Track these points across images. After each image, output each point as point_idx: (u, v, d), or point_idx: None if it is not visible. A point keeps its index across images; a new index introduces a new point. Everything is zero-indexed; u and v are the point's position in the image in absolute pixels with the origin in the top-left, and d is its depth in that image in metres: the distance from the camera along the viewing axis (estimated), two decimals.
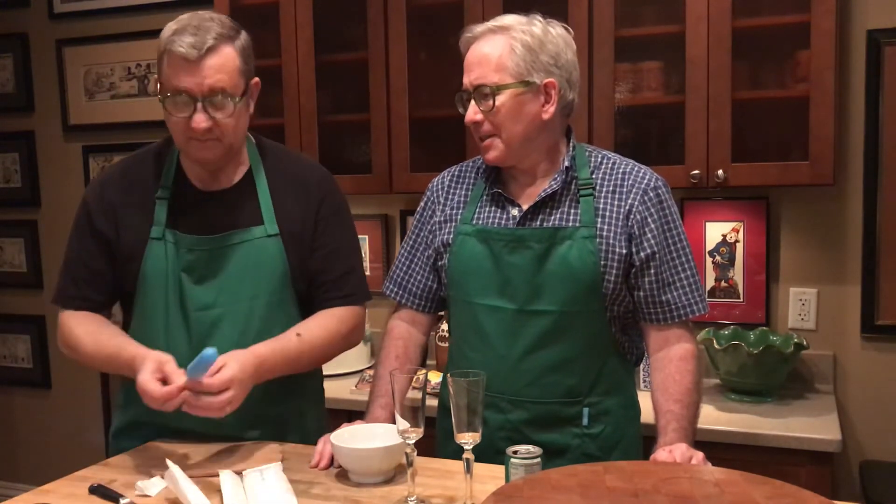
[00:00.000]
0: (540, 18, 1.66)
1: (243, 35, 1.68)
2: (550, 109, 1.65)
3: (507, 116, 1.63)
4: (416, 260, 1.84)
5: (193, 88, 1.59)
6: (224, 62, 1.61)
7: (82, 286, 1.76)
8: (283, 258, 1.74)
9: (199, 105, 1.60)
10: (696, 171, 2.41)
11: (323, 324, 1.78)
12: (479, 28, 1.67)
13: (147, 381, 1.52)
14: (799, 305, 2.66)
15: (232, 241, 1.72)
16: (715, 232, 2.72)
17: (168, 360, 1.55)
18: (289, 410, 1.81)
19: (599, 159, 1.73)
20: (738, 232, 2.69)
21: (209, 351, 1.51)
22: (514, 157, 1.68)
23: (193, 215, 1.73)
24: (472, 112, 1.66)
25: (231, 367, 1.55)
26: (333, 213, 1.81)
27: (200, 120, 1.60)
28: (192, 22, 1.61)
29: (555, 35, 1.66)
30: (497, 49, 1.63)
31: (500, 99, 1.62)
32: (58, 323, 1.78)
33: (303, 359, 1.74)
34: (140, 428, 1.77)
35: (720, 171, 2.39)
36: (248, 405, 1.62)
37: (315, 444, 1.68)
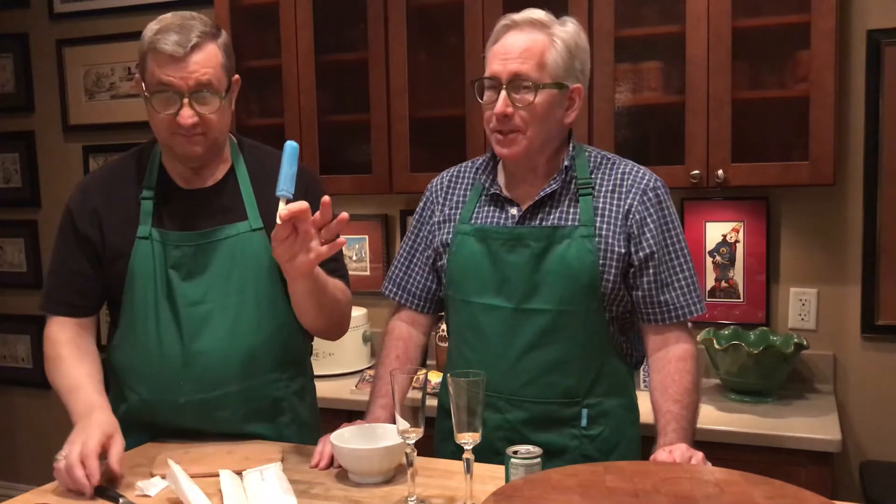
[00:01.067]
0: (573, 21, 1.65)
1: (224, 33, 1.71)
2: (573, 115, 1.66)
3: (540, 115, 1.61)
4: (415, 260, 1.84)
5: (180, 83, 1.62)
6: (209, 57, 1.64)
7: (67, 291, 1.76)
8: (269, 252, 1.71)
9: (186, 100, 1.62)
10: (696, 171, 2.41)
11: (338, 284, 1.77)
12: (519, 17, 1.63)
13: (83, 458, 1.50)
14: (799, 305, 2.66)
15: (217, 237, 1.74)
16: (715, 232, 2.72)
17: (113, 440, 1.55)
18: (281, 402, 1.81)
19: (599, 159, 1.73)
20: (738, 232, 2.69)
21: (290, 144, 1.53)
22: (531, 156, 1.67)
23: (178, 213, 1.75)
24: (504, 104, 1.60)
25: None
26: (313, 200, 1.77)
27: (187, 115, 1.63)
28: (175, 21, 1.64)
29: (584, 42, 1.66)
30: (539, 44, 1.60)
31: (540, 97, 1.60)
32: (44, 332, 1.77)
33: (333, 293, 1.73)
34: (132, 430, 1.76)
35: (720, 171, 2.39)
36: (241, 400, 1.72)
37: (309, 434, 1.70)
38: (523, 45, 1.60)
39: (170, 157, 1.76)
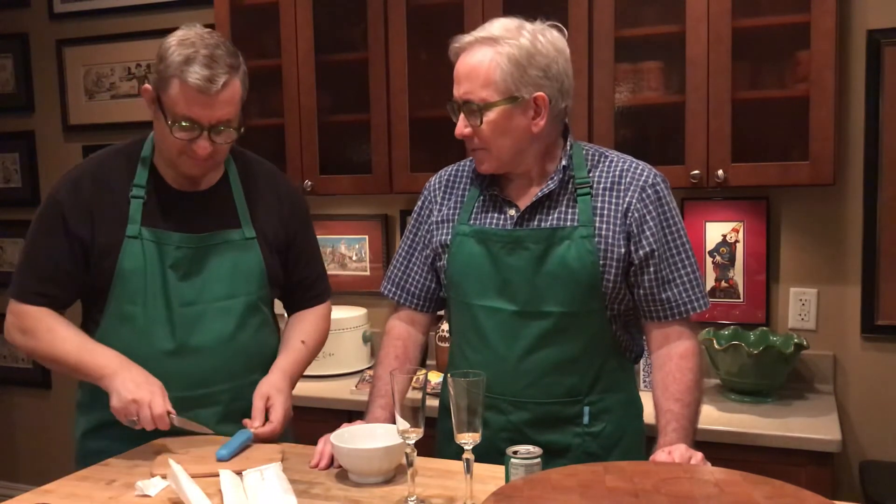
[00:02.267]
0: (529, 28, 1.61)
1: (242, 60, 1.70)
2: (540, 123, 1.62)
3: (495, 133, 1.62)
4: (414, 260, 1.84)
5: (203, 120, 1.63)
6: (233, 95, 1.66)
7: (46, 283, 1.74)
8: (260, 260, 1.82)
9: (205, 133, 1.64)
10: (696, 171, 2.41)
11: (317, 325, 1.97)
12: (467, 38, 1.63)
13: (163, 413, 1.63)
14: (799, 305, 2.66)
15: (215, 241, 1.77)
16: (715, 232, 2.72)
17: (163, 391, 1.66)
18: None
19: (597, 157, 1.72)
20: (738, 232, 2.69)
21: (247, 433, 1.69)
22: (506, 168, 1.69)
23: (172, 214, 1.76)
24: (462, 125, 1.65)
25: (277, 401, 1.75)
26: (303, 219, 1.94)
27: (204, 147, 1.65)
28: (201, 50, 1.61)
29: (545, 43, 1.60)
30: (485, 63, 1.59)
31: (489, 116, 1.61)
32: (10, 311, 1.76)
33: (309, 361, 1.93)
34: (111, 428, 1.75)
35: (720, 171, 2.39)
36: (223, 400, 1.79)
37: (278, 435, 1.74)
38: (468, 67, 1.61)
39: (165, 163, 1.76)
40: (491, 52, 1.59)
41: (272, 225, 1.85)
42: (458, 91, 1.64)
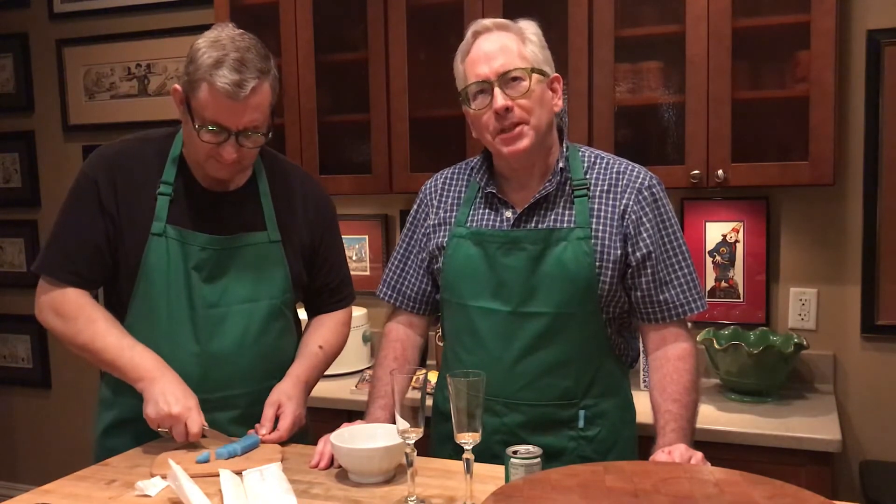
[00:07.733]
0: (534, 24, 1.70)
1: (273, 63, 1.67)
2: (560, 102, 1.69)
3: (537, 101, 1.63)
4: (410, 263, 1.84)
5: (230, 124, 1.61)
6: (262, 101, 1.63)
7: (78, 260, 1.71)
8: (285, 264, 1.80)
9: (233, 139, 1.62)
10: (696, 171, 2.41)
11: (335, 330, 1.95)
12: (489, 22, 1.69)
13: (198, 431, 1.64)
14: (799, 305, 2.66)
15: (240, 243, 1.76)
16: (715, 232, 2.72)
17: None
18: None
19: (593, 159, 1.72)
20: (738, 232, 2.69)
21: (254, 438, 1.69)
22: (538, 147, 1.66)
23: (198, 214, 1.74)
24: (503, 98, 1.60)
25: (288, 409, 1.74)
26: (329, 223, 1.91)
27: (230, 152, 1.63)
28: (231, 53, 1.58)
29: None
30: (515, 41, 1.64)
31: (533, 82, 1.63)
32: (43, 290, 1.72)
33: (326, 366, 1.92)
34: (131, 424, 1.76)
35: (720, 171, 2.39)
36: (240, 405, 1.78)
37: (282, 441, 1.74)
38: (501, 44, 1.64)
39: (195, 162, 1.74)
40: (514, 34, 1.66)
41: (298, 228, 1.83)
42: (492, 66, 1.62)
